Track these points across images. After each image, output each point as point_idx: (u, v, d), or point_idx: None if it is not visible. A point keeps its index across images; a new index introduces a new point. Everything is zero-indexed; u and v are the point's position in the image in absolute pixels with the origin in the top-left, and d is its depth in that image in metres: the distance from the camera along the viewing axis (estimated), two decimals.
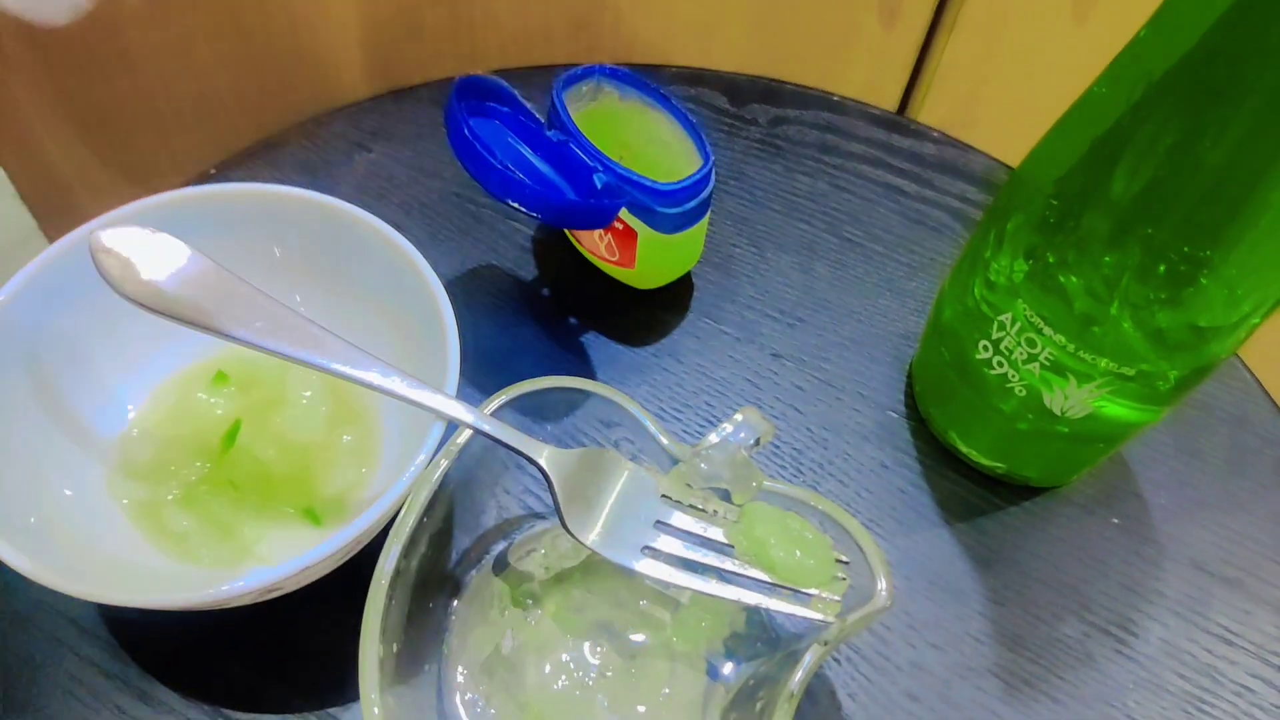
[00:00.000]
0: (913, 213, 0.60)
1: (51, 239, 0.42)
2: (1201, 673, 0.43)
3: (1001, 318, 0.41)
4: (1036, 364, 0.40)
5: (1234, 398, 0.52)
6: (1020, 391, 0.42)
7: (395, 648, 0.34)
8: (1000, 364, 0.42)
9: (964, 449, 0.48)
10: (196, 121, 0.60)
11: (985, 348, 0.42)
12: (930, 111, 0.75)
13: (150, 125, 0.59)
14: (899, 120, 0.65)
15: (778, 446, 0.49)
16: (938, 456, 0.49)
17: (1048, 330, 0.39)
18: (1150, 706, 0.42)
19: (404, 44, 0.63)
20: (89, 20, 0.52)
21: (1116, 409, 0.41)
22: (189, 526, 0.41)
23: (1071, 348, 0.38)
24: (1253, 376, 0.53)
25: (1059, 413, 0.41)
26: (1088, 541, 0.47)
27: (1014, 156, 0.63)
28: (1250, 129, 0.31)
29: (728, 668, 0.39)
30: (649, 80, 0.50)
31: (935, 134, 0.64)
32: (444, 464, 0.36)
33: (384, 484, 0.42)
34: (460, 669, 0.39)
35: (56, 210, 0.59)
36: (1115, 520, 0.48)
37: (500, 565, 0.41)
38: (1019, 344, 0.40)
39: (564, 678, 0.38)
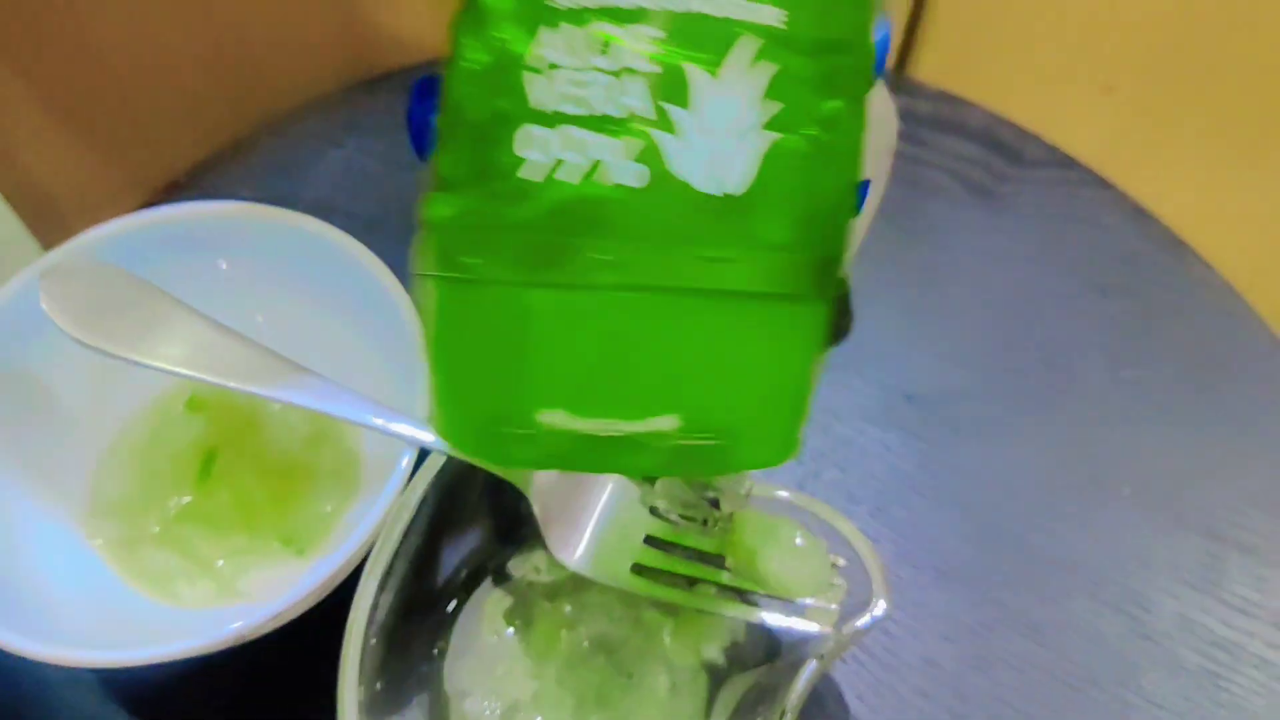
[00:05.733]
0: (907, 175, 0.57)
1: (42, 241, 0.41)
2: (1219, 647, 0.42)
3: None
4: None
5: (1246, 354, 0.50)
6: None
7: (379, 686, 0.33)
8: None
9: None
10: (178, 112, 0.58)
11: None
12: (927, 65, 0.72)
13: (128, 122, 0.57)
14: (888, 77, 0.63)
15: None
16: (945, 431, 0.48)
17: None
18: (1167, 687, 0.41)
19: (381, 21, 0.61)
20: (44, 5, 0.50)
21: None
22: (168, 564, 0.40)
23: None
24: (1269, 331, 0.51)
25: None
26: (1097, 515, 0.45)
27: (1014, 110, 0.61)
28: None
29: (730, 678, 0.38)
30: None
31: (929, 90, 0.61)
32: (420, 488, 0.35)
33: (366, 507, 0.41)
34: (452, 693, 0.38)
35: (42, 216, 0.57)
36: (1126, 490, 0.46)
37: (489, 583, 0.40)
38: None
39: (561, 696, 0.37)
